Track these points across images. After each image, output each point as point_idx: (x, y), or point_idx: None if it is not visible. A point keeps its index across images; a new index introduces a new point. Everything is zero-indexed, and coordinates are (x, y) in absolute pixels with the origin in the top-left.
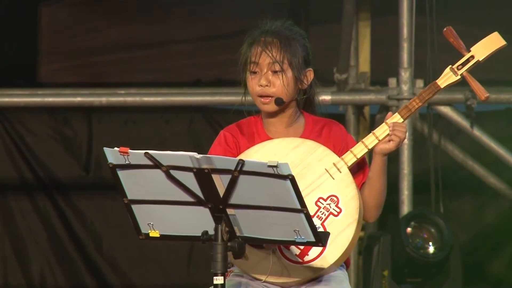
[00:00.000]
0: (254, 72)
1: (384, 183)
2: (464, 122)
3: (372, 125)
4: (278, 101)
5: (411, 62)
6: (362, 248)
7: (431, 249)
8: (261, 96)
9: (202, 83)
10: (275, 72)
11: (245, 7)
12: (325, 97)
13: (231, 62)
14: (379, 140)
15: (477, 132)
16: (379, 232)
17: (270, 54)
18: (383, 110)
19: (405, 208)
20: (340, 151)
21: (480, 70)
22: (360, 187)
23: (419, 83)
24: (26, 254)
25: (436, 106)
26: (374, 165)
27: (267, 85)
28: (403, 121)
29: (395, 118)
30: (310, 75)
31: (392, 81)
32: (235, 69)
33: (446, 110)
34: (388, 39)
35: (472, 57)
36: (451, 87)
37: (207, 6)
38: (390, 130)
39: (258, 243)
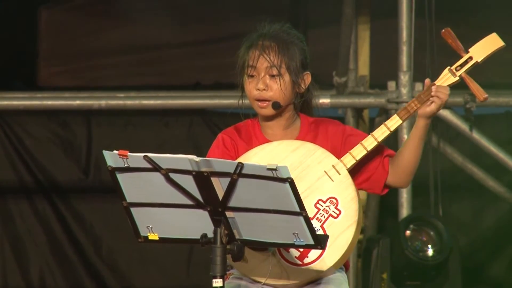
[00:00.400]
0: (252, 76)
1: (421, 149)
2: (463, 125)
3: (372, 128)
4: (275, 105)
5: (410, 65)
6: (361, 251)
7: (430, 252)
8: (259, 100)
9: (201, 86)
10: (272, 76)
11: (244, 10)
12: (325, 100)
13: (230, 65)
14: (378, 142)
15: (476, 135)
16: (378, 235)
17: (268, 58)
18: (382, 113)
19: (404, 211)
20: (342, 145)
21: (479, 72)
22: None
23: (418, 86)
24: (26, 257)
25: None
26: (416, 129)
27: (264, 89)
28: (402, 122)
29: (394, 119)
30: (307, 78)
31: (391, 84)
32: (234, 72)
33: (445, 113)
34: (388, 42)
35: (471, 58)
36: (450, 89)
37: (206, 9)
38: (433, 93)
39: (257, 246)
